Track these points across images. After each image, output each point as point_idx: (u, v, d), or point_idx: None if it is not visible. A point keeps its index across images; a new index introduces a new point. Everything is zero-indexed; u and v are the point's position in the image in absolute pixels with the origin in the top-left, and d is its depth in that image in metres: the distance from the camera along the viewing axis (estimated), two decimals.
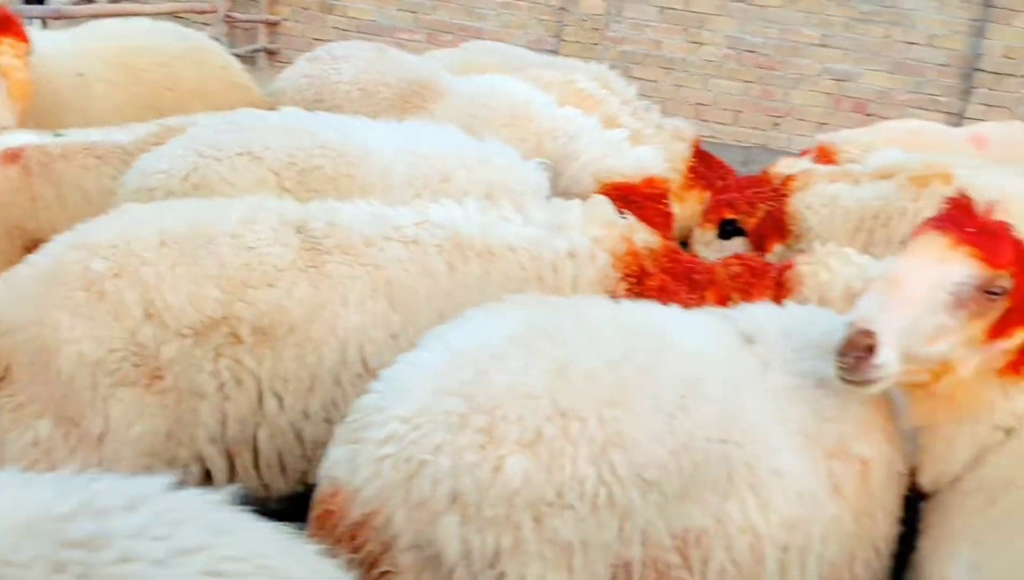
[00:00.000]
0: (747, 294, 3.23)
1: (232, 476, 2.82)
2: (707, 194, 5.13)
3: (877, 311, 2.35)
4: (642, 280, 3.18)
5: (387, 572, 2.10)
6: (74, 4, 9.97)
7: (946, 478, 2.58)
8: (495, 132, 4.95)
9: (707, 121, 12.07)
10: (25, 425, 2.60)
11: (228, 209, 2.98)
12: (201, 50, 5.53)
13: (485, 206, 3.22)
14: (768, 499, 2.35)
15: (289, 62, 12.69)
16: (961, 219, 2.47)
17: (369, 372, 2.82)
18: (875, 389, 2.41)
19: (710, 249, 4.89)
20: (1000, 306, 2.40)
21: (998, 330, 2.43)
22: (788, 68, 12.00)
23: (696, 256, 4.30)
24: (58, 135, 3.85)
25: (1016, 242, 2.45)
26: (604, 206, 3.71)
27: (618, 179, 4.64)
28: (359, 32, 12.64)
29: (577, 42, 12.01)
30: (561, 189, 4.86)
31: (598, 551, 2.16)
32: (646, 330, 2.41)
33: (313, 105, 5.04)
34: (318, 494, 2.21)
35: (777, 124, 12.15)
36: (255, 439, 2.81)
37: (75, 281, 2.66)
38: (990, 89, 11.62)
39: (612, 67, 7.50)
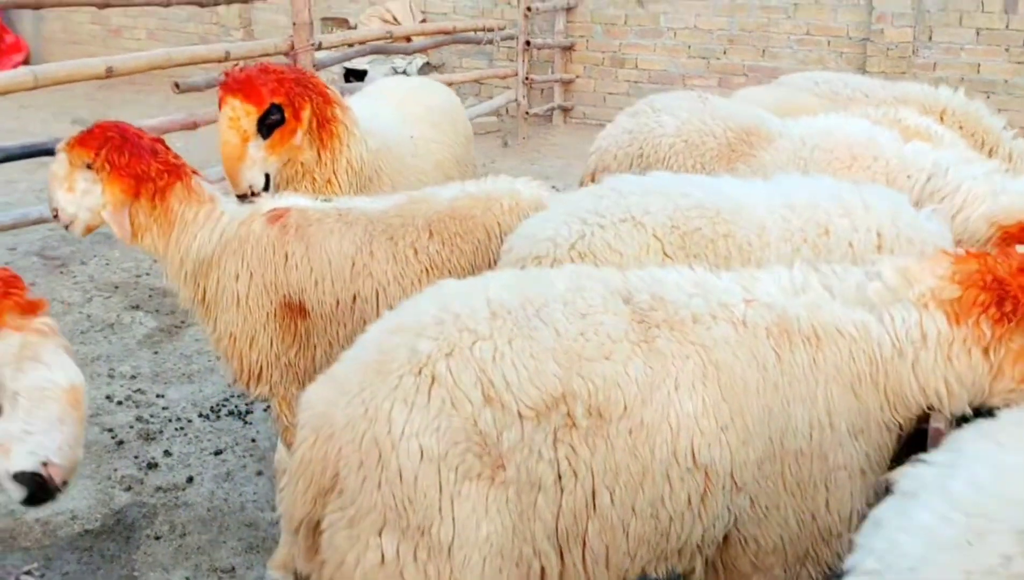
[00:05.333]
0: None
1: (562, 573, 2.62)
2: None
3: None
4: None
5: None
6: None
7: None
8: (833, 177, 4.51)
9: None
10: (365, 543, 2.43)
11: (551, 276, 2.83)
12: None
13: (807, 274, 2.91)
14: None
15: (584, 117, 13.11)
16: None
17: (698, 468, 2.60)
18: None
19: None
20: None
21: None
22: None
23: None
24: (326, 200, 3.96)
25: None
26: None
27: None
28: (651, 83, 12.53)
29: (883, 73, 11.21)
30: None
31: None
32: None
33: (636, 161, 4.87)
34: None
35: None
36: (586, 534, 2.61)
37: (402, 366, 2.50)
38: None
39: None
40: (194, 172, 3.78)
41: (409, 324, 2.62)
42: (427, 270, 3.78)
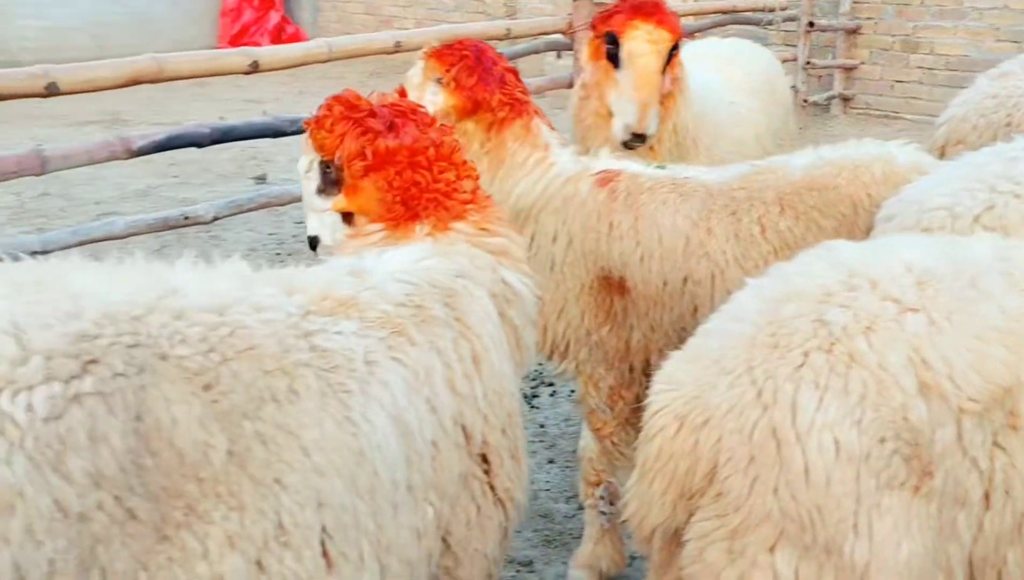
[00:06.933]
0: None
1: None
2: None
3: None
4: None
5: None
6: None
7: None
8: None
9: None
10: (751, 561, 1.96)
11: (968, 242, 2.34)
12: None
13: None
14: None
15: (866, 108, 12.11)
16: None
17: None
18: None
19: None
20: None
21: None
22: None
23: None
24: (660, 167, 3.58)
25: None
26: None
27: None
28: (948, 70, 11.41)
29: None
30: None
31: None
32: None
33: (1001, 131, 4.15)
34: None
35: None
36: (1004, 564, 2.08)
37: (807, 341, 2.02)
38: None
39: None
40: (537, 112, 3.45)
41: (807, 290, 2.14)
42: (775, 250, 3.26)
